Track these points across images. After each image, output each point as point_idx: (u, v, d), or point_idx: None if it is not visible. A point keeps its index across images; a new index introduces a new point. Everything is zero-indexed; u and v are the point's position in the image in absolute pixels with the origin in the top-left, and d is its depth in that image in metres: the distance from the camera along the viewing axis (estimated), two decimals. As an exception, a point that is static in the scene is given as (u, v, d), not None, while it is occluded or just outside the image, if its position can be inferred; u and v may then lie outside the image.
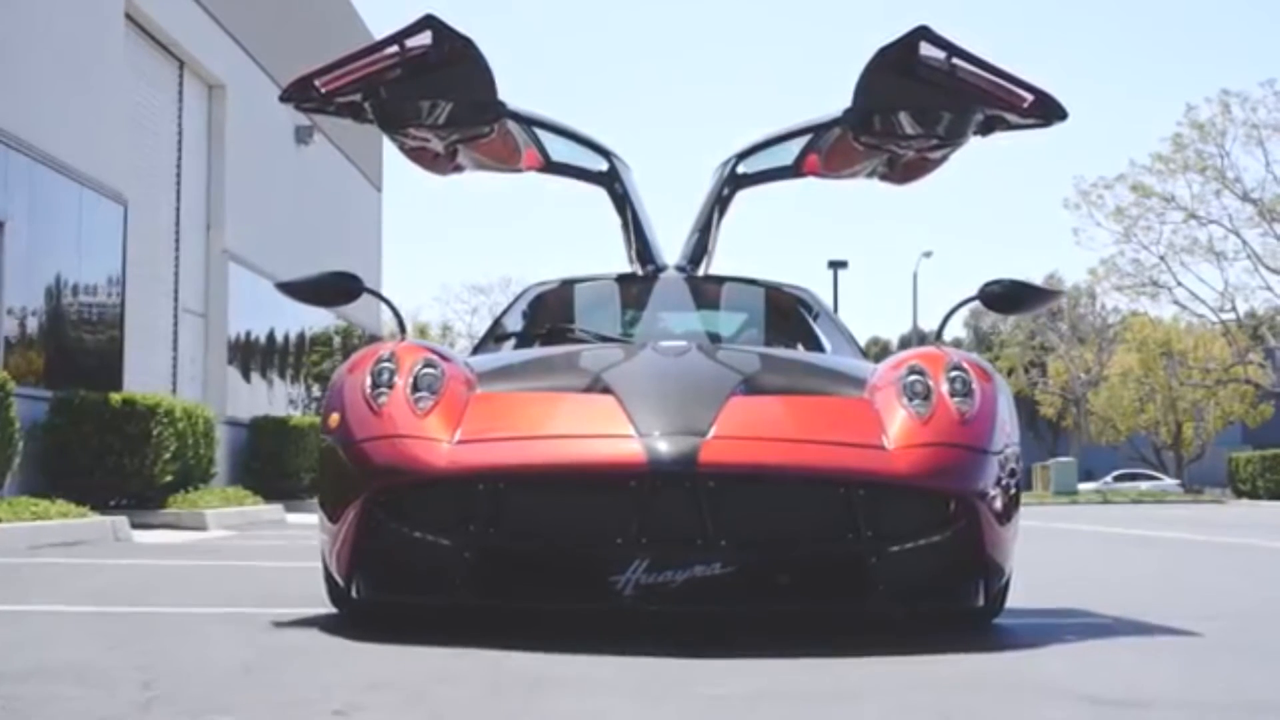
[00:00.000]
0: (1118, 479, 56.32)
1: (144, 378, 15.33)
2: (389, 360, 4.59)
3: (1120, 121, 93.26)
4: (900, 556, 4.19)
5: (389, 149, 6.65)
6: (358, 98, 5.60)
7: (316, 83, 5.56)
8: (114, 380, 14.24)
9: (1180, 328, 53.31)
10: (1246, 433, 60.13)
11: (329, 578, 4.60)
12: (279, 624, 4.60)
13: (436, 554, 4.20)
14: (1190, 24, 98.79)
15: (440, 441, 4.28)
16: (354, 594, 4.41)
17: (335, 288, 5.22)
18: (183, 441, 13.43)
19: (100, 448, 12.52)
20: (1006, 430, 4.54)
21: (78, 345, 13.87)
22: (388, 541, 4.27)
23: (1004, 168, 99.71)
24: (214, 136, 18.45)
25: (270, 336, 20.75)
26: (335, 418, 4.53)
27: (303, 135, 21.91)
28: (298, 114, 21.42)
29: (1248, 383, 49.44)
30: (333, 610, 4.72)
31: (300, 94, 5.60)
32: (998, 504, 4.35)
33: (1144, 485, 52.21)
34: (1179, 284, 46.31)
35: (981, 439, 4.40)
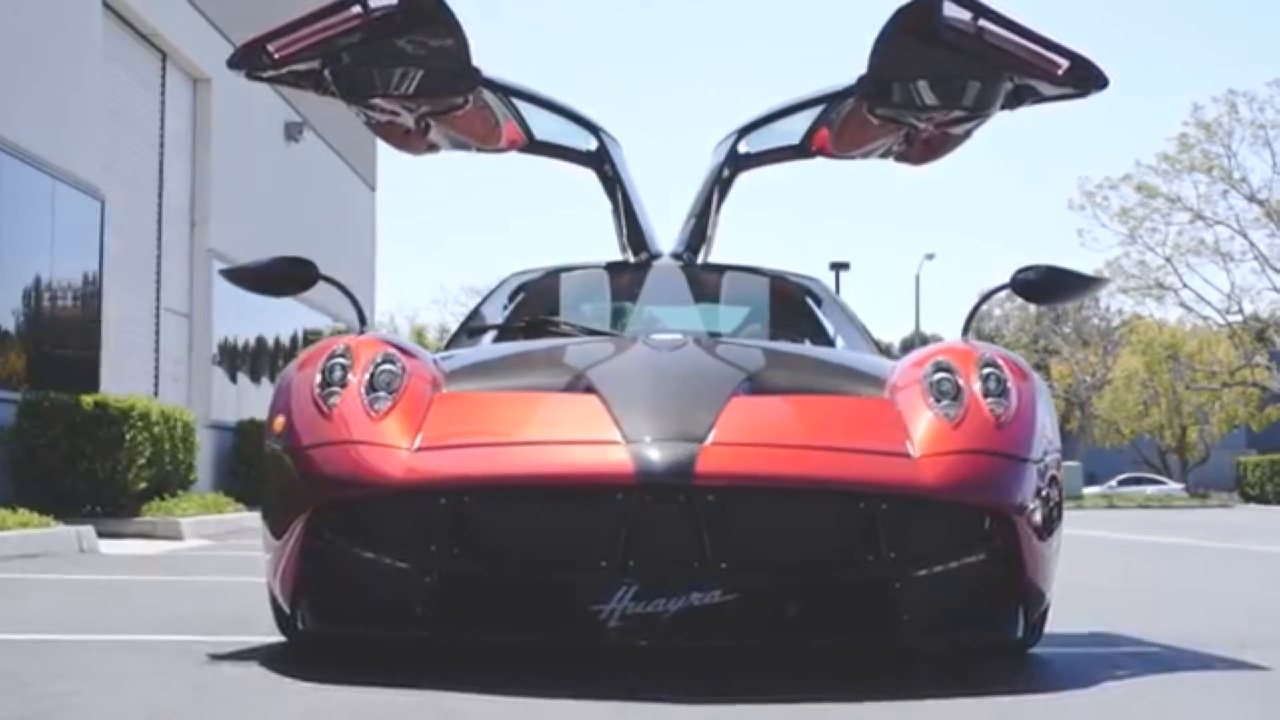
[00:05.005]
0: (1122, 483, 55.77)
1: (124, 380, 14.74)
2: (343, 356, 4.02)
3: (1126, 121, 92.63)
4: (928, 581, 3.62)
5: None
6: (317, 65, 5.03)
7: (269, 47, 4.98)
8: (91, 382, 13.66)
9: (1185, 330, 52.75)
10: (1251, 436, 59.61)
11: (274, 602, 4.03)
12: (217, 656, 4.04)
13: (393, 578, 3.64)
14: (1197, 23, 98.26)
15: (397, 448, 3.72)
16: (300, 624, 3.84)
17: (287, 275, 4.63)
18: (159, 446, 12.83)
19: (71, 453, 11.93)
20: (1047, 435, 3.99)
21: (52, 346, 13.29)
22: (337, 563, 3.71)
23: (1007, 168, 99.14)
24: (199, 131, 17.86)
25: (260, 338, 20.18)
26: (280, 421, 3.97)
27: (293, 132, 21.34)
28: (288, 109, 21.33)
29: (1254, 385, 48.87)
30: (281, 638, 4.16)
31: (250, 60, 5.02)
32: (1038, 519, 3.79)
33: (1149, 489, 51.65)
34: (1185, 286, 45.76)
35: (1019, 445, 3.84)
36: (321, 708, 3.25)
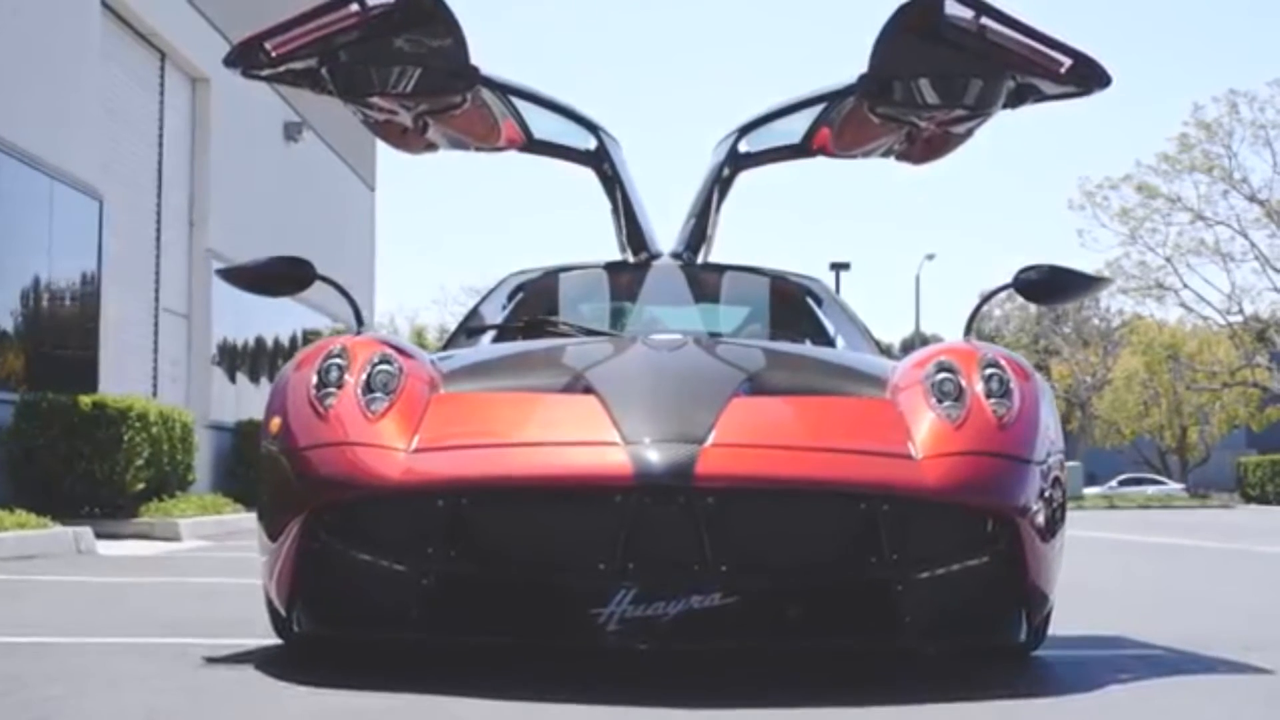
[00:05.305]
0: (1122, 483, 55.74)
1: (123, 380, 14.69)
2: (339, 356, 3.98)
3: (1126, 121, 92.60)
4: (930, 584, 3.58)
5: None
6: (314, 63, 4.99)
7: (266, 45, 4.94)
8: (89, 383, 13.62)
9: (1185, 330, 52.69)
10: (1251, 436, 59.57)
11: (270, 604, 3.99)
12: (212, 659, 4.01)
13: (390, 581, 3.59)
14: (1197, 23, 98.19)
15: (394, 449, 3.68)
16: (295, 626, 3.80)
17: (283, 275, 4.60)
18: (157, 447, 12.79)
19: (69, 454, 11.89)
20: (1049, 436, 3.94)
21: (50, 346, 13.26)
22: (333, 566, 3.67)
23: (1007, 168, 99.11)
24: (198, 131, 17.82)
25: (259, 338, 20.14)
26: (276, 422, 3.93)
27: (292, 132, 21.28)
28: (287, 109, 21.28)
29: (1254, 385, 48.82)
30: (277, 641, 4.12)
31: (247, 58, 4.98)
32: (1041, 520, 3.75)
33: (1150, 490, 51.60)
34: (1185, 286, 45.72)
35: (1022, 446, 3.80)
36: (317, 711, 3.21)
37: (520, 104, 5.51)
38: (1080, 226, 57.50)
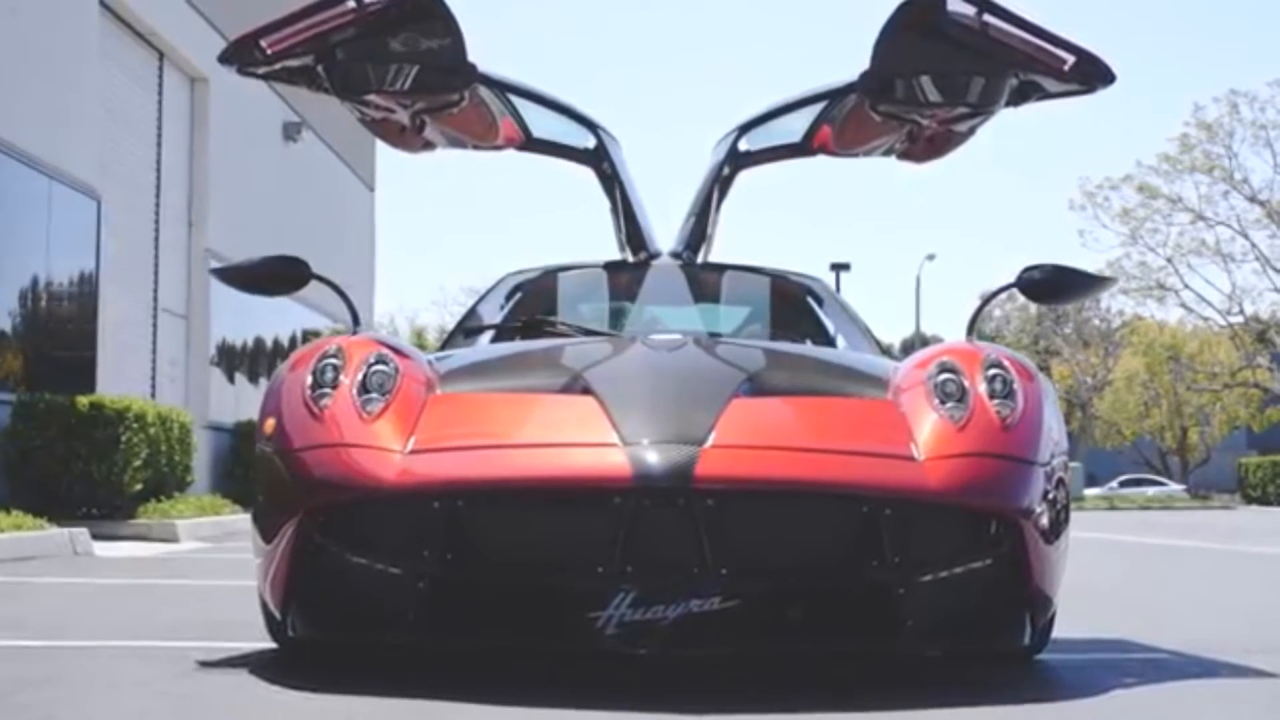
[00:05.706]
0: (1123, 484, 55.70)
1: (121, 381, 14.65)
2: (335, 356, 3.93)
3: (1126, 121, 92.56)
4: (933, 587, 3.53)
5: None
6: (310, 60, 4.95)
7: (262, 43, 4.89)
8: (87, 383, 13.59)
9: (1186, 331, 52.66)
10: (1251, 437, 59.55)
11: (265, 607, 3.95)
12: (206, 663, 3.96)
13: (385, 584, 3.54)
14: (1198, 23, 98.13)
15: (390, 450, 3.63)
16: (290, 630, 3.76)
17: (278, 274, 4.56)
18: (155, 448, 12.75)
19: (66, 454, 11.84)
20: (1053, 437, 3.89)
21: (48, 347, 13.22)
22: (328, 569, 3.62)
23: (1008, 168, 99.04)
24: (196, 131, 17.78)
25: (258, 338, 20.10)
26: (271, 423, 3.89)
27: (291, 132, 21.25)
28: (286, 109, 21.24)
29: (1255, 386, 48.79)
30: (273, 644, 4.08)
31: (242, 56, 4.94)
32: (1044, 522, 3.71)
33: (1150, 491, 51.57)
34: (1186, 286, 45.69)
35: (1026, 448, 3.75)
36: (313, 714, 3.17)
37: (519, 102, 5.47)
38: (1081, 227, 57.61)
